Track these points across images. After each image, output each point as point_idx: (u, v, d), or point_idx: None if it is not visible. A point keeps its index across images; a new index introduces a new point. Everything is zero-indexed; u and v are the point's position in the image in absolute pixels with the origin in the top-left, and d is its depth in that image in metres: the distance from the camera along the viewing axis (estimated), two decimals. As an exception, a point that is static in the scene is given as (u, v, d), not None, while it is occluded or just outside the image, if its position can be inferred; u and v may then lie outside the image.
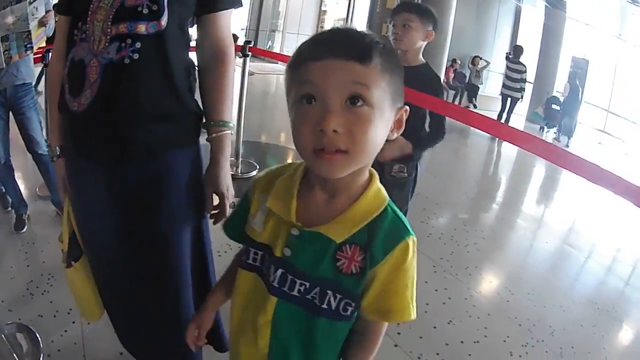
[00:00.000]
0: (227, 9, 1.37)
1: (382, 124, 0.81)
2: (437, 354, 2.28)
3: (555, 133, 10.79)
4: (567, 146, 10.09)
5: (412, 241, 0.87)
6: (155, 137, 1.30)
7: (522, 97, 9.92)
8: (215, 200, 1.44)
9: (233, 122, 1.43)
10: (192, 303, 1.51)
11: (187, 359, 1.62)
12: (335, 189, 0.89)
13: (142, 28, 1.20)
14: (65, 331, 2.13)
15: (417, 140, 2.21)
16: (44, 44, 3.02)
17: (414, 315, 0.89)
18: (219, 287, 1.13)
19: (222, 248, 2.97)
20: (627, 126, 11.45)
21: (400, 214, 0.91)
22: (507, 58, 10.16)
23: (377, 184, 0.92)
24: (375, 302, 0.89)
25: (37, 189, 3.52)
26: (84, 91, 1.24)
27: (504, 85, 9.90)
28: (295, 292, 0.90)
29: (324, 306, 0.89)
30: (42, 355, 1.94)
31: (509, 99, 9.77)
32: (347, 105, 0.77)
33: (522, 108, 11.44)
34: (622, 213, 5.06)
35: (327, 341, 0.93)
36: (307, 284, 0.90)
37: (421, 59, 2.34)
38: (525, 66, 9.74)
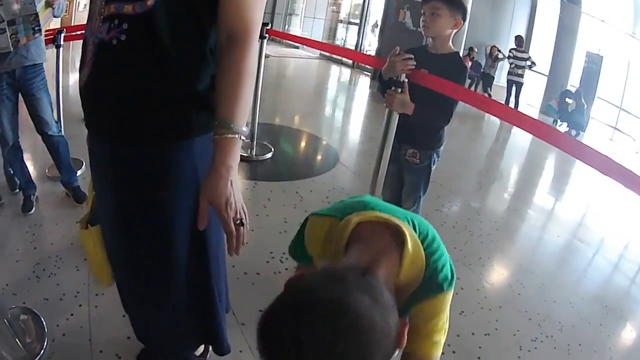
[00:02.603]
0: None
1: None
2: (448, 345, 2.20)
3: (567, 127, 10.69)
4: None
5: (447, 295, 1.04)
6: (141, 123, 1.22)
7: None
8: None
9: (245, 124, 1.19)
10: (185, 297, 1.46)
11: (186, 348, 1.62)
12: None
13: (129, 8, 1.13)
14: (72, 315, 2.10)
15: (420, 107, 2.22)
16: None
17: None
18: None
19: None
20: (638, 124, 11.33)
21: (442, 273, 1.02)
22: (511, 50, 10.83)
23: (409, 255, 1.00)
24: None
25: (47, 170, 3.52)
26: (84, 68, 1.24)
27: (510, 73, 10.67)
28: None
29: None
30: (46, 340, 1.91)
31: (515, 85, 10.58)
32: None
33: (536, 100, 11.44)
34: (633, 208, 5.03)
35: None
36: None
37: (451, 47, 2.36)
38: (528, 53, 10.67)
